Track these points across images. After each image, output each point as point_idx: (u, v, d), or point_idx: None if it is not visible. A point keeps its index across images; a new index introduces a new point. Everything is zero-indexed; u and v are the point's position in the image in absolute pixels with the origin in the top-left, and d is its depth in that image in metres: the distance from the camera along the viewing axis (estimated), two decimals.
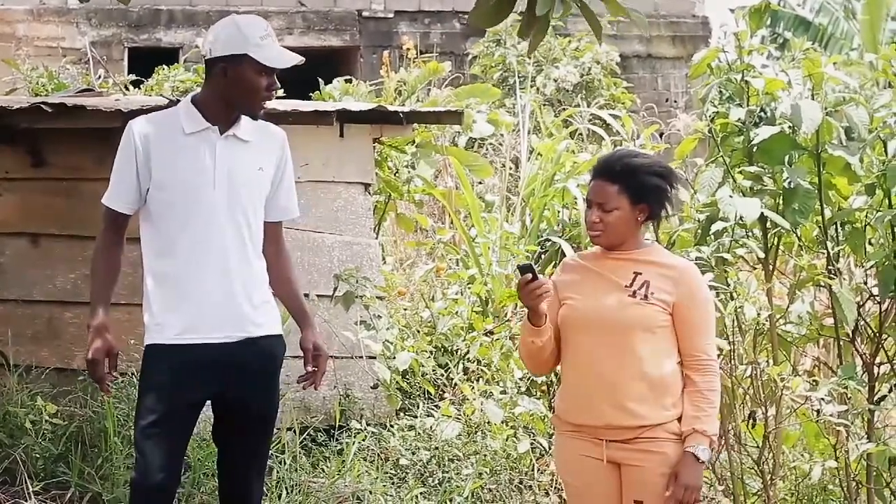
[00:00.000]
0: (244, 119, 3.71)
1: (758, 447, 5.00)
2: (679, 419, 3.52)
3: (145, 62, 11.71)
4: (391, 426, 5.78)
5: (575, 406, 3.62)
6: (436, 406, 5.91)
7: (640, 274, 3.54)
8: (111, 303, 3.76)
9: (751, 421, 5.03)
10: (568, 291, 3.65)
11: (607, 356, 3.52)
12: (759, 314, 4.94)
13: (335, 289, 5.72)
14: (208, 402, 3.77)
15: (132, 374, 5.04)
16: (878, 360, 5.04)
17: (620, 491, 3.56)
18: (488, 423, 5.63)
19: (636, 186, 3.55)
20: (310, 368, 3.81)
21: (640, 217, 3.57)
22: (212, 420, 3.82)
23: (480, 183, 8.98)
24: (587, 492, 3.62)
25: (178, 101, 4.93)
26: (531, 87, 11.71)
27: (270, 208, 3.79)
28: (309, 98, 7.34)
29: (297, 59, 3.68)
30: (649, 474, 3.50)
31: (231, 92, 3.64)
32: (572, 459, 3.64)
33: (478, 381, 6.06)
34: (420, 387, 6.06)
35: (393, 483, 5.41)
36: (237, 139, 3.68)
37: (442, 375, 6.15)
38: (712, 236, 4.92)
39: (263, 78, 3.62)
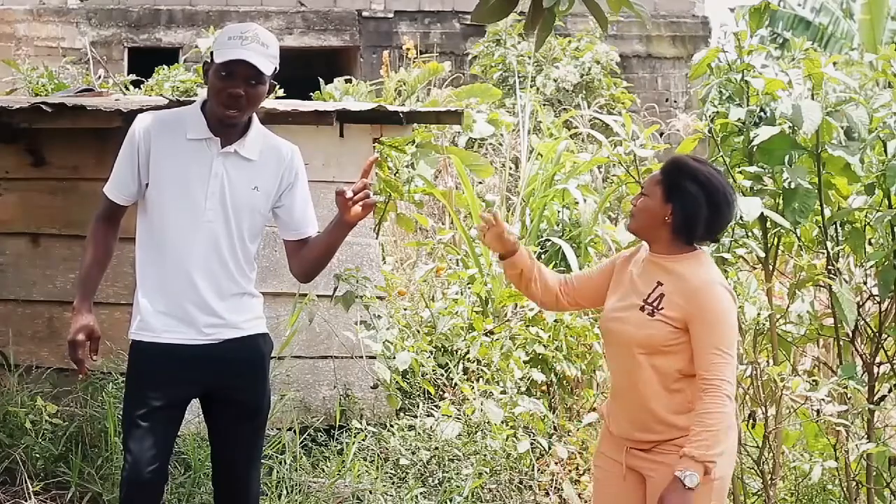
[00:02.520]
0: (252, 134, 3.69)
1: (758, 447, 5.00)
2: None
3: (145, 62, 11.72)
4: (391, 426, 5.77)
5: (608, 405, 3.71)
6: (436, 406, 5.91)
7: (662, 285, 3.53)
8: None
9: (751, 421, 5.03)
10: (612, 285, 3.69)
11: (620, 367, 3.57)
12: (759, 314, 4.94)
13: (335, 289, 5.72)
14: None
15: None
16: (878, 360, 5.04)
17: (642, 500, 3.56)
18: (488, 423, 5.63)
19: (673, 183, 3.55)
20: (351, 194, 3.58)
21: (668, 217, 3.55)
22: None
23: (481, 183, 8.98)
24: (605, 489, 3.65)
25: (178, 101, 4.94)
26: (531, 87, 11.72)
27: (285, 228, 3.77)
28: (309, 98, 7.34)
29: (239, 56, 3.52)
30: (661, 486, 3.48)
31: (207, 93, 3.66)
32: (600, 455, 3.72)
33: (478, 381, 6.06)
34: (420, 387, 6.06)
35: (393, 483, 5.41)
36: (238, 156, 3.65)
37: (442, 375, 6.15)
38: None
39: (221, 79, 3.56)
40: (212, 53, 3.63)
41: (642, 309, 3.51)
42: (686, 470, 3.37)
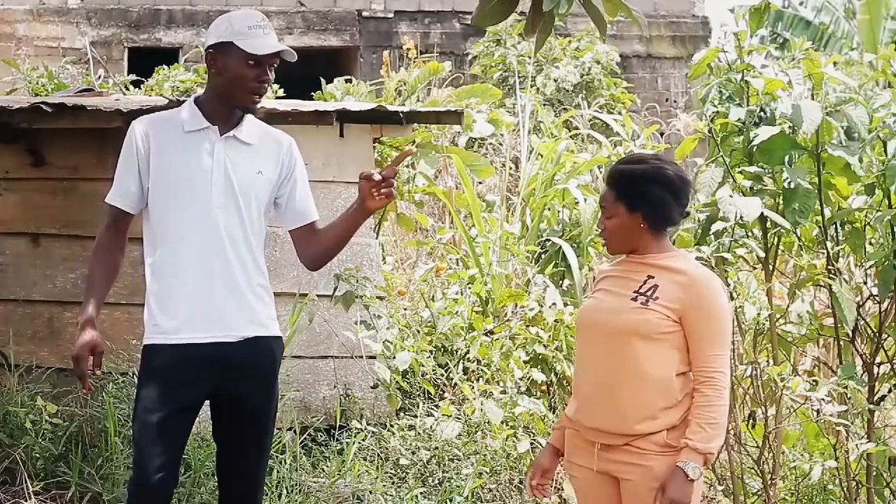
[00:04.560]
0: (248, 122, 3.71)
1: (758, 447, 5.00)
2: (671, 429, 3.46)
3: (145, 62, 11.73)
4: (391, 426, 5.78)
5: (575, 402, 3.65)
6: (436, 406, 5.91)
7: (653, 277, 3.52)
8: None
9: (751, 421, 5.03)
10: (592, 289, 3.70)
11: (604, 358, 3.52)
12: (759, 314, 4.93)
13: (335, 289, 5.72)
14: (207, 402, 3.75)
15: (133, 374, 5.05)
16: (878, 360, 5.04)
17: (617, 500, 3.55)
18: (488, 423, 5.64)
19: (631, 194, 3.54)
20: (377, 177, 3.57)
21: (642, 224, 3.54)
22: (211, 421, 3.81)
23: (481, 183, 8.99)
24: (585, 495, 3.64)
25: (178, 100, 4.96)
26: (531, 87, 11.72)
27: (291, 214, 3.78)
28: (310, 98, 7.35)
29: (281, 48, 3.63)
30: (639, 487, 3.47)
31: (220, 82, 3.65)
32: (570, 465, 3.68)
33: (478, 381, 6.06)
34: (420, 387, 6.07)
35: (393, 483, 5.41)
36: (238, 141, 3.67)
37: (442, 375, 6.15)
38: (712, 236, 4.93)
39: (250, 67, 3.60)
40: (222, 43, 3.61)
41: (634, 299, 3.50)
42: (689, 461, 3.38)
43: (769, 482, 4.89)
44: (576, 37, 13.12)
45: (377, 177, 3.55)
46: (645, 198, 3.53)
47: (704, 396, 3.43)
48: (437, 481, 5.45)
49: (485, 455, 5.57)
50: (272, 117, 5.37)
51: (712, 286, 3.52)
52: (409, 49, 11.70)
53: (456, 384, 6.06)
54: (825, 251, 5.00)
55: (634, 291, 3.52)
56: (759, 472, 4.96)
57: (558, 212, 7.67)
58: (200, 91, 3.87)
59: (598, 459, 3.53)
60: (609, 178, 3.65)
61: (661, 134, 11.54)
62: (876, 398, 5.00)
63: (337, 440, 5.65)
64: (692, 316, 3.46)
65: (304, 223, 3.79)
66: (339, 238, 3.77)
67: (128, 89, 8.58)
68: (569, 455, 3.69)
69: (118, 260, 3.72)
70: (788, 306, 5.08)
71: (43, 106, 5.48)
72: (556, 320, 6.36)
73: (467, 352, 6.26)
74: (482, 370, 6.16)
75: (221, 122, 3.66)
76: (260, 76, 3.61)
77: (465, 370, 6.24)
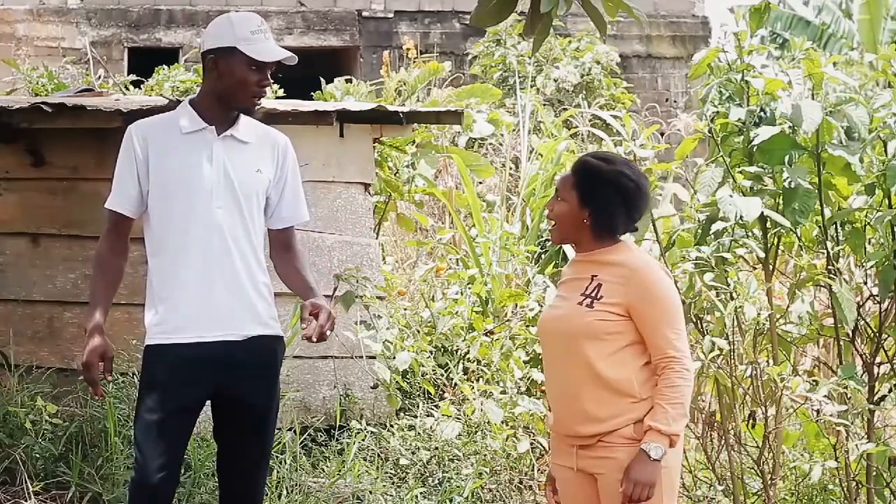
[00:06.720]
0: (244, 121, 3.72)
1: (758, 447, 5.00)
2: (637, 422, 3.44)
3: (145, 62, 11.72)
4: (391, 426, 5.78)
5: (552, 410, 3.66)
6: (436, 406, 5.91)
7: (597, 276, 3.50)
8: (112, 303, 3.75)
9: (751, 421, 5.03)
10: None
11: (561, 363, 3.52)
12: (759, 314, 4.93)
13: (335, 289, 5.72)
14: (208, 402, 3.76)
15: (133, 373, 5.05)
16: (878, 360, 5.04)
17: (595, 499, 3.55)
18: (488, 423, 5.64)
19: (588, 188, 3.52)
20: (308, 319, 3.64)
21: (586, 220, 3.52)
22: (212, 420, 3.82)
23: (481, 183, 8.99)
24: (565, 495, 3.64)
25: (178, 101, 4.97)
26: (531, 87, 11.71)
27: (275, 216, 3.79)
28: (310, 98, 7.35)
29: (286, 55, 3.68)
30: (609, 480, 3.47)
31: (221, 86, 3.67)
32: (554, 466, 3.68)
33: (478, 381, 6.06)
34: (420, 387, 6.07)
35: (393, 483, 5.41)
36: (235, 140, 3.69)
37: (442, 375, 6.15)
38: (712, 236, 4.93)
39: (253, 72, 3.63)
40: (225, 47, 3.63)
41: (581, 303, 3.49)
42: (651, 442, 3.37)
43: (769, 482, 4.89)
44: (576, 37, 13.10)
45: (308, 323, 3.61)
46: (595, 198, 3.51)
47: (666, 378, 3.42)
48: (437, 481, 5.45)
49: (485, 455, 5.57)
50: (272, 117, 5.37)
51: (652, 273, 3.50)
52: (409, 49, 11.70)
53: (456, 384, 6.06)
54: (825, 251, 5.00)
55: (581, 294, 3.50)
56: (759, 472, 4.96)
57: None
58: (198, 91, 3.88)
59: (577, 458, 3.52)
60: (574, 164, 3.64)
61: (661, 134, 11.53)
62: (876, 398, 5.01)
63: (337, 440, 5.65)
64: (637, 307, 3.45)
65: (286, 226, 3.82)
66: (293, 289, 3.82)
67: (128, 89, 8.58)
68: (551, 456, 3.71)
69: (121, 264, 3.73)
70: (788, 306, 5.08)
71: (43, 106, 5.47)
72: None
73: (467, 352, 6.26)
74: (482, 370, 6.16)
75: (218, 122, 3.68)
76: (261, 80, 3.66)
77: (465, 370, 6.24)
